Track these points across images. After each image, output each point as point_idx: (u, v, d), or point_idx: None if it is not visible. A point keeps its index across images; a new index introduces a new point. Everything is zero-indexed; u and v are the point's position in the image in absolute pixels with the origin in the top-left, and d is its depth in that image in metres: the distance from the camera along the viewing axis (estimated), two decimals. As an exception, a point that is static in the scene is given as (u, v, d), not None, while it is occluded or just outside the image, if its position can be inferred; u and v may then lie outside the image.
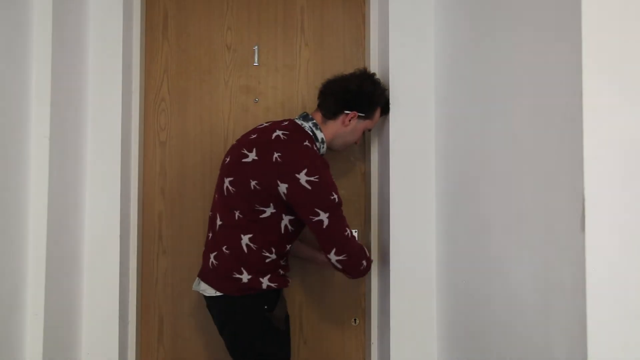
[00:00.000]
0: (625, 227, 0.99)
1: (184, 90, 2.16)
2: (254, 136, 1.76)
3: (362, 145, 2.18)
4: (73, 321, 1.87)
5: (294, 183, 1.62)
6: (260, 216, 1.68)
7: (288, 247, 1.77)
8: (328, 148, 1.86)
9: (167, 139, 2.15)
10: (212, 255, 1.74)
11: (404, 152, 1.93)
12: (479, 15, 1.56)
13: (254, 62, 2.17)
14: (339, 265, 1.69)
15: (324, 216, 1.63)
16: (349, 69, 2.14)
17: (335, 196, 1.66)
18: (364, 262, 1.73)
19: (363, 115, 1.82)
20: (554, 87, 1.11)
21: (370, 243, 2.13)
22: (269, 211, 1.68)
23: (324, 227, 1.64)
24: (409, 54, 1.95)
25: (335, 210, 1.65)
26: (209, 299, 1.75)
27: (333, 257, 1.67)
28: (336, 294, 2.16)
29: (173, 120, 2.15)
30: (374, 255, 2.11)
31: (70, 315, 1.85)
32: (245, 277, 1.68)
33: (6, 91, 1.54)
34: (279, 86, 2.18)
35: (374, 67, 2.12)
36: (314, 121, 1.79)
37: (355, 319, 2.17)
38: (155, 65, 2.16)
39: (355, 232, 2.15)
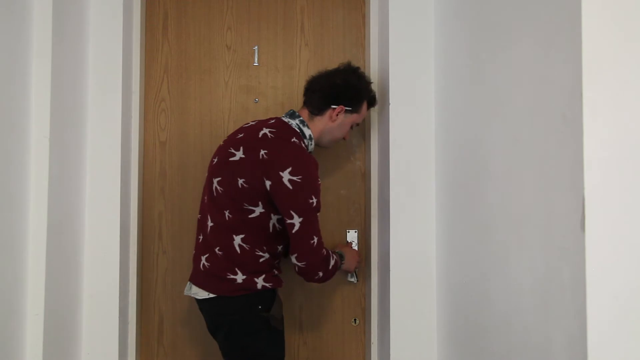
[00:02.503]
0: (625, 227, 0.99)
1: (184, 90, 2.16)
2: (241, 135, 1.76)
3: (362, 145, 2.18)
4: (73, 321, 1.87)
5: (276, 180, 1.62)
6: (250, 216, 1.67)
7: (279, 247, 1.77)
8: (316, 145, 1.85)
9: (167, 139, 2.15)
10: (203, 258, 1.73)
11: (404, 152, 1.93)
12: (478, 14, 1.56)
13: (254, 62, 2.17)
14: (295, 268, 1.70)
15: (296, 220, 1.63)
16: (348, 69, 2.14)
17: (314, 200, 1.65)
18: (320, 274, 1.72)
19: (350, 109, 1.82)
20: (553, 87, 1.11)
21: (370, 243, 2.13)
22: (258, 211, 1.67)
23: (294, 231, 1.64)
24: (409, 54, 1.95)
25: (309, 215, 1.65)
26: (201, 301, 1.74)
27: (293, 259, 1.68)
28: (336, 294, 2.16)
29: (173, 120, 2.15)
30: (374, 256, 2.11)
31: (70, 315, 1.85)
32: (239, 277, 1.68)
33: (6, 91, 1.54)
34: (279, 86, 2.18)
35: (373, 67, 2.13)
36: (301, 118, 1.79)
37: (355, 319, 2.17)
38: (155, 65, 2.16)
39: (355, 232, 2.15)
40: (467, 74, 1.65)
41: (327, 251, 1.75)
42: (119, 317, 1.94)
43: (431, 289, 1.92)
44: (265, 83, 2.17)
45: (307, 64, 2.18)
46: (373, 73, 2.11)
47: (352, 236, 2.15)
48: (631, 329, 0.99)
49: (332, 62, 2.18)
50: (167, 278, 2.14)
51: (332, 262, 1.76)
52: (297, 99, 2.17)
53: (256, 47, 2.18)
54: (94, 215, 1.93)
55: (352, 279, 2.12)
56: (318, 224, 1.69)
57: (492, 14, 1.46)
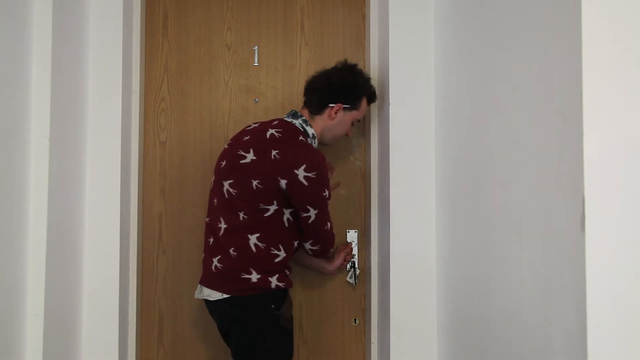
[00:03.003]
0: (625, 227, 0.99)
1: (184, 90, 2.16)
2: (247, 137, 1.77)
3: (362, 145, 2.18)
4: (73, 321, 1.87)
5: (292, 178, 1.66)
6: (265, 215, 1.69)
7: (295, 243, 1.79)
8: (320, 143, 1.88)
9: (167, 139, 2.15)
10: (215, 260, 1.73)
11: (404, 152, 1.93)
12: (478, 14, 1.56)
13: (254, 62, 2.17)
14: (309, 252, 1.87)
15: (312, 212, 1.73)
16: (348, 69, 2.13)
17: (327, 192, 1.74)
18: (331, 250, 1.93)
19: (348, 106, 1.84)
20: (554, 87, 1.11)
21: (370, 243, 2.13)
22: (272, 208, 1.69)
23: (310, 222, 1.74)
24: (409, 54, 1.95)
25: (323, 206, 1.75)
26: (213, 303, 1.74)
27: (308, 245, 1.83)
28: (336, 294, 2.16)
29: (173, 120, 2.15)
30: (374, 256, 2.11)
31: (70, 315, 1.85)
32: (254, 276, 1.69)
33: (6, 91, 1.53)
34: (279, 86, 2.18)
35: (374, 67, 2.13)
36: (303, 118, 1.82)
37: (355, 319, 2.17)
38: (155, 65, 2.16)
39: (355, 232, 2.15)
40: (467, 74, 1.65)
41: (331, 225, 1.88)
42: (119, 317, 1.94)
43: (431, 289, 1.92)
44: (265, 83, 2.17)
45: (307, 64, 2.18)
46: (373, 73, 2.11)
47: (352, 236, 2.15)
48: (631, 329, 0.99)
49: (332, 62, 2.16)
50: (167, 278, 2.14)
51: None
52: (297, 99, 2.17)
53: (256, 47, 2.18)
54: (94, 215, 1.93)
55: (351, 280, 2.12)
56: (329, 212, 1.81)
57: (492, 14, 1.46)
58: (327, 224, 1.80)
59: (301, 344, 2.16)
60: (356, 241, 2.15)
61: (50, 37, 1.66)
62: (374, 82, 1.97)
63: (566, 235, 1.05)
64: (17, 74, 1.59)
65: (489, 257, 1.46)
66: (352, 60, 2.18)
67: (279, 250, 1.73)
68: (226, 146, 1.83)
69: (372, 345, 2.12)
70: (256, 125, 1.83)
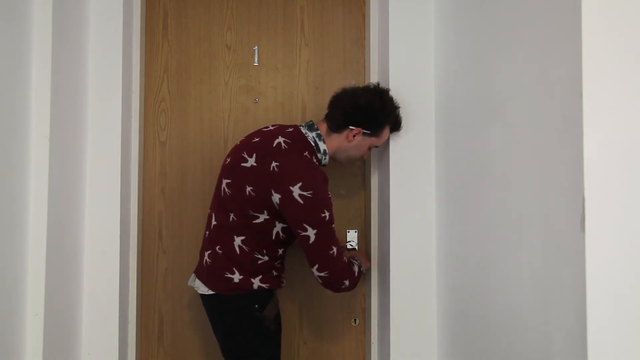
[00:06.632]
0: (625, 227, 0.99)
1: (184, 90, 2.16)
2: (257, 140, 1.75)
3: (362, 145, 2.18)
4: (73, 321, 1.87)
5: (286, 195, 1.61)
6: (253, 221, 1.68)
7: (280, 251, 1.77)
8: (331, 159, 1.84)
9: (167, 139, 2.15)
10: (206, 254, 1.75)
11: (404, 152, 1.93)
12: (478, 15, 1.56)
13: (254, 62, 2.17)
14: (319, 280, 1.70)
15: (311, 232, 1.63)
16: (349, 69, 2.13)
17: (327, 214, 1.64)
18: (346, 282, 1.72)
19: (368, 132, 1.78)
20: (554, 87, 1.11)
21: (370, 243, 2.13)
22: (262, 217, 1.68)
23: (310, 242, 1.64)
24: (409, 54, 1.95)
25: (324, 227, 1.64)
26: (202, 297, 1.77)
27: (315, 272, 1.68)
28: (336, 294, 2.16)
29: (173, 120, 2.15)
30: (374, 256, 2.11)
31: (70, 315, 1.85)
32: (236, 277, 1.69)
33: (6, 91, 1.53)
34: (279, 86, 2.18)
35: (374, 67, 2.12)
36: (318, 132, 1.76)
37: (355, 319, 2.17)
38: (155, 65, 2.16)
39: (355, 232, 2.15)
40: (467, 74, 1.65)
41: (349, 259, 1.76)
42: (119, 317, 1.94)
43: (431, 289, 1.92)
44: (265, 83, 2.17)
45: (307, 64, 2.18)
46: (373, 73, 2.11)
47: (352, 236, 2.15)
48: (631, 329, 0.99)
49: (332, 62, 2.18)
50: (167, 278, 2.14)
51: (356, 270, 1.77)
52: (296, 99, 2.17)
53: (256, 47, 2.18)
54: (94, 215, 1.93)
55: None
56: (335, 235, 1.69)
57: (492, 14, 1.46)
58: (333, 249, 1.66)
59: (301, 344, 2.16)
60: (356, 241, 2.15)
61: (50, 37, 1.66)
62: (374, 81, 1.97)
63: (566, 236, 1.05)
64: (17, 74, 1.59)
65: (489, 257, 1.46)
66: (352, 60, 2.18)
67: (262, 255, 1.72)
68: (238, 143, 1.81)
69: (372, 345, 2.12)
70: (272, 128, 1.79)
